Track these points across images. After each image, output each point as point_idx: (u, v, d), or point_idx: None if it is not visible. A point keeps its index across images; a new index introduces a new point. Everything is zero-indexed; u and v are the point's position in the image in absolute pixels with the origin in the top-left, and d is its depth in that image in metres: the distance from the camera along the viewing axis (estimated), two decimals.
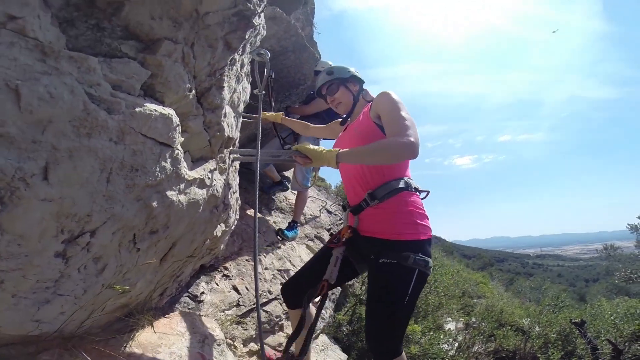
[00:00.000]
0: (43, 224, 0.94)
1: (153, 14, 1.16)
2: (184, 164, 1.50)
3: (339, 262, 1.59)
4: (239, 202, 2.58)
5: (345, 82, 1.98)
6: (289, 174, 4.79)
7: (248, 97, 2.30)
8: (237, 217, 2.63)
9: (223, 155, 1.95)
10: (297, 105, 4.16)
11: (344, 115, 2.03)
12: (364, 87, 2.06)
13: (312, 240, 4.14)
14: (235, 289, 2.65)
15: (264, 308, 2.76)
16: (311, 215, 4.64)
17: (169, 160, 1.35)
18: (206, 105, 1.61)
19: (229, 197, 2.18)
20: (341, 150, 1.54)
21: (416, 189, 1.64)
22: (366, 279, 2.68)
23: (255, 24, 1.63)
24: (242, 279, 2.77)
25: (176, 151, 1.40)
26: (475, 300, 10.15)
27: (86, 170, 1.01)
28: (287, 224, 3.80)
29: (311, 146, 1.65)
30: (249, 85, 2.30)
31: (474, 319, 7.52)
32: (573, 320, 4.90)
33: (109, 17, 1.08)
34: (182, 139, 1.47)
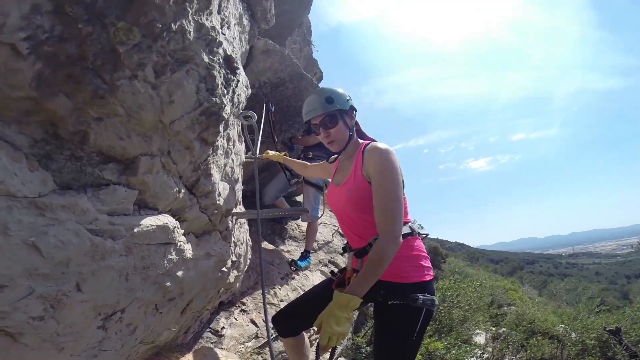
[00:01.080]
0: (85, 314, 1.22)
1: (120, 134, 1.19)
2: (188, 247, 1.67)
3: None
4: (250, 242, 2.70)
5: (344, 114, 1.71)
6: (300, 197, 4.89)
7: (244, 157, 2.34)
8: (250, 255, 2.74)
9: (225, 222, 2.10)
10: (301, 136, 4.27)
11: (336, 152, 1.81)
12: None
13: (325, 265, 4.16)
14: (253, 322, 2.76)
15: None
16: (324, 240, 4.65)
17: (173, 253, 1.55)
18: (199, 194, 1.72)
19: (238, 251, 2.36)
20: (352, 291, 1.40)
21: (419, 233, 1.69)
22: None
23: (226, 116, 1.62)
24: (258, 312, 2.86)
25: (179, 244, 1.58)
26: (505, 308, 9.75)
27: (107, 279, 1.25)
28: (299, 254, 3.85)
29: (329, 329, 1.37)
30: (243, 145, 2.32)
31: (503, 329, 7.23)
32: (608, 328, 4.66)
33: (79, 145, 1.12)
34: (182, 230, 1.65)
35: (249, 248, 2.67)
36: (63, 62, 0.96)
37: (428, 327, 2.14)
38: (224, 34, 1.60)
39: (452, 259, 13.38)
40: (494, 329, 7.01)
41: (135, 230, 1.29)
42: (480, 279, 9.96)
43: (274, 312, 1.94)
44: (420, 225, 11.64)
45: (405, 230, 1.59)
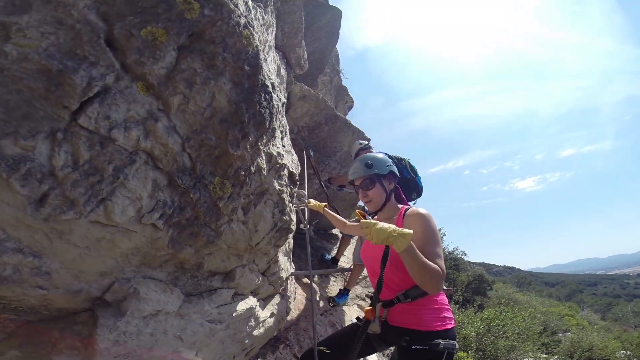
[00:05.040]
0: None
1: (222, 259, 1.70)
2: (261, 314, 2.13)
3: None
4: (294, 285, 3.20)
5: (382, 178, 1.88)
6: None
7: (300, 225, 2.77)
8: (294, 292, 3.25)
9: (284, 285, 2.57)
10: (337, 175, 4.64)
11: (372, 212, 1.95)
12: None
13: (363, 299, 4.42)
14: (295, 356, 3.06)
15: None
16: (362, 275, 5.06)
17: (252, 321, 2.05)
18: (269, 275, 2.24)
19: (289, 303, 2.81)
20: (411, 245, 1.45)
21: (443, 289, 1.84)
22: None
23: (293, 228, 2.13)
24: (300, 347, 3.17)
25: (256, 314, 2.08)
26: (560, 335, 9.20)
27: (213, 346, 1.77)
28: (336, 289, 4.18)
29: (380, 224, 1.47)
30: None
31: (556, 357, 6.97)
32: None
33: (196, 270, 1.61)
34: (258, 302, 2.12)
35: (295, 289, 3.18)
36: (185, 225, 1.37)
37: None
38: (284, 146, 1.98)
39: (500, 285, 12.76)
40: (545, 356, 6.78)
41: (234, 315, 1.82)
42: (530, 307, 9.53)
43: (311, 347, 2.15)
44: (463, 251, 11.49)
45: None
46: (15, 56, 0.88)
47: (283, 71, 2.96)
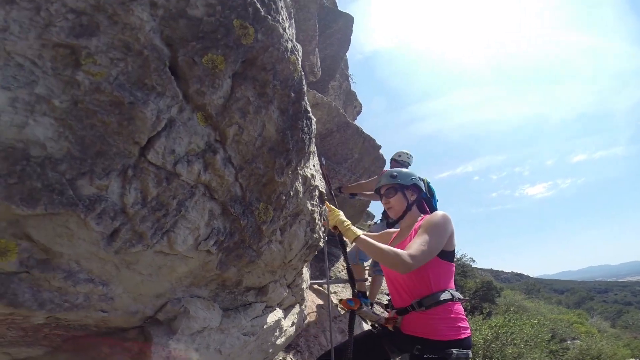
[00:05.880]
0: None
1: (259, 276, 1.74)
2: (285, 324, 2.18)
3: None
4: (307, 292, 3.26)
5: (404, 188, 2.06)
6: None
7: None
8: (307, 302, 3.30)
9: (304, 295, 2.61)
10: (347, 182, 4.65)
11: (394, 219, 2.13)
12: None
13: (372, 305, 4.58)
14: None
15: None
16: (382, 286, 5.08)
17: (277, 332, 2.08)
18: (293, 287, 2.30)
19: (306, 311, 2.89)
20: (362, 236, 1.79)
21: (459, 299, 1.87)
22: None
23: (322, 244, 2.19)
24: (310, 353, 3.25)
25: (281, 324, 2.11)
26: (568, 342, 9.16)
27: (244, 356, 1.82)
28: (347, 294, 4.26)
29: (342, 216, 1.93)
30: None
31: None
32: None
33: (235, 287, 1.68)
34: (282, 313, 2.17)
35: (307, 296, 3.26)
36: (232, 248, 1.42)
37: None
38: (314, 166, 2.03)
39: (508, 292, 12.70)
40: None
41: (264, 327, 1.87)
42: (539, 315, 9.49)
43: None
44: (471, 258, 11.47)
45: (446, 296, 1.77)
46: (87, 86, 0.87)
47: None
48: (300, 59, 1.57)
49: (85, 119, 0.89)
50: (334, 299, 4.26)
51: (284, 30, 1.39)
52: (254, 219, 1.44)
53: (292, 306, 2.48)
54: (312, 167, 1.96)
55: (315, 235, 2.00)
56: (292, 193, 1.64)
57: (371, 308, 3.95)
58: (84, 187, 0.91)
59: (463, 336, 1.75)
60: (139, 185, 0.99)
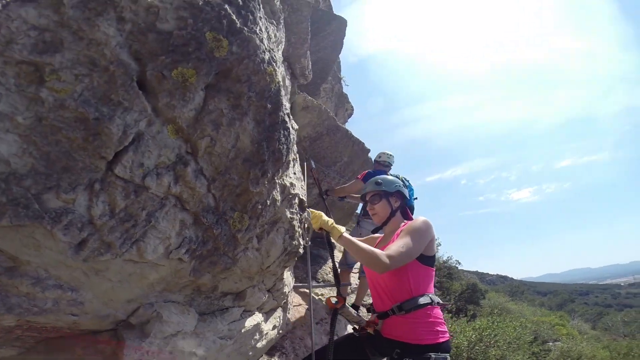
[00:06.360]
0: None
1: (235, 281, 1.76)
2: (265, 327, 2.22)
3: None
4: (293, 295, 3.25)
5: (389, 195, 2.10)
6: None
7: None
8: (292, 304, 3.31)
9: (286, 299, 2.66)
10: (335, 185, 4.66)
11: (378, 224, 2.18)
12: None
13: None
14: None
15: None
16: (356, 284, 5.12)
17: (257, 335, 2.12)
18: (274, 291, 2.32)
19: (289, 315, 2.92)
20: (344, 235, 1.84)
21: (438, 303, 1.91)
22: None
23: (301, 251, 2.19)
24: (296, 355, 3.26)
25: (261, 328, 2.15)
26: (550, 344, 9.36)
27: (221, 358, 1.85)
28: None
29: (325, 217, 1.94)
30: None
31: None
32: None
33: (211, 292, 1.70)
34: (263, 317, 2.20)
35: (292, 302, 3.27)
36: (206, 255, 1.45)
37: None
38: (295, 174, 2.05)
39: (493, 294, 12.91)
40: None
41: (242, 330, 1.90)
42: (522, 317, 9.65)
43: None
44: (457, 260, 11.62)
45: (426, 300, 1.81)
46: (52, 103, 0.88)
47: (288, 82, 3.00)
48: (278, 70, 1.57)
49: (50, 135, 0.90)
50: (316, 297, 4.27)
51: (261, 41, 1.40)
52: (229, 227, 1.46)
53: (273, 310, 2.52)
54: (292, 176, 1.97)
55: (295, 242, 2.02)
56: (268, 202, 1.66)
57: (357, 311, 3.97)
58: (50, 200, 0.93)
59: (441, 340, 1.79)
60: (106, 198, 1.01)
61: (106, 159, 0.99)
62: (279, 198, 1.74)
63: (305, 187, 2.26)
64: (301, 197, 2.00)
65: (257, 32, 1.38)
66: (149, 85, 1.08)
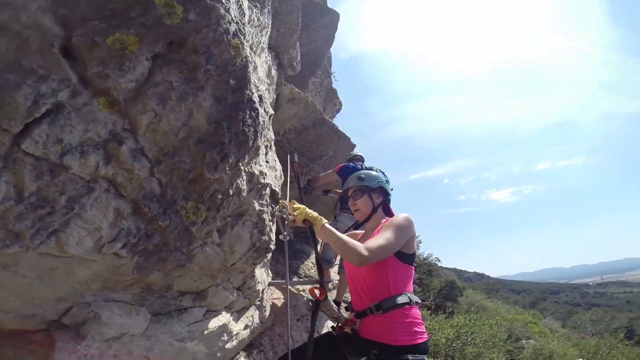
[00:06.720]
0: None
1: (194, 279, 1.60)
2: (234, 328, 2.06)
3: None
4: (270, 291, 3.11)
5: (371, 191, 2.07)
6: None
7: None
8: (270, 300, 3.17)
9: (260, 296, 2.49)
10: (316, 175, 4.55)
11: (359, 221, 2.16)
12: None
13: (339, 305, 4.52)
14: None
15: None
16: (337, 281, 5.03)
17: (225, 336, 1.98)
18: (244, 290, 2.14)
19: (264, 313, 2.76)
20: (326, 225, 1.78)
21: (417, 303, 1.85)
22: None
23: (272, 247, 2.03)
24: (275, 352, 3.15)
25: (230, 329, 2.01)
26: (523, 341, 9.62)
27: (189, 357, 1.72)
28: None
29: (307, 209, 1.86)
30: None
31: None
32: None
33: (165, 291, 1.52)
34: (231, 316, 2.05)
35: (270, 296, 3.10)
36: (152, 251, 1.28)
37: None
38: (268, 162, 1.88)
39: (470, 291, 13.18)
40: None
41: (205, 332, 1.75)
42: (497, 315, 9.84)
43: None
44: (437, 258, 11.76)
45: (404, 299, 1.77)
46: None
47: (274, 72, 2.81)
48: (247, 44, 1.40)
49: None
50: (296, 293, 4.17)
51: (227, 11, 1.23)
52: (180, 219, 1.28)
53: (246, 308, 2.36)
54: (264, 164, 1.80)
55: (265, 238, 1.86)
56: (231, 191, 1.49)
57: (338, 308, 3.87)
58: None
59: (419, 341, 1.74)
60: (10, 179, 0.83)
61: (10, 132, 0.82)
62: (244, 187, 1.57)
63: (279, 178, 2.08)
64: (273, 187, 1.84)
65: (223, 0, 1.21)
66: (76, 52, 0.92)
